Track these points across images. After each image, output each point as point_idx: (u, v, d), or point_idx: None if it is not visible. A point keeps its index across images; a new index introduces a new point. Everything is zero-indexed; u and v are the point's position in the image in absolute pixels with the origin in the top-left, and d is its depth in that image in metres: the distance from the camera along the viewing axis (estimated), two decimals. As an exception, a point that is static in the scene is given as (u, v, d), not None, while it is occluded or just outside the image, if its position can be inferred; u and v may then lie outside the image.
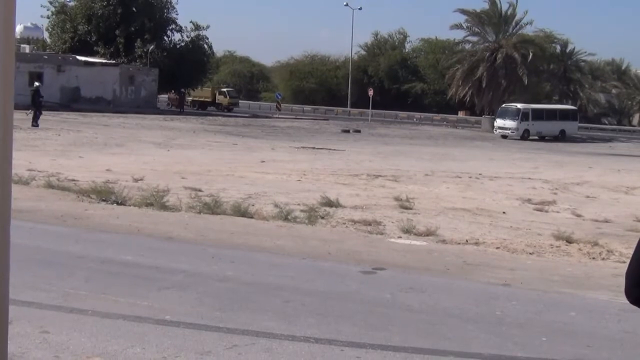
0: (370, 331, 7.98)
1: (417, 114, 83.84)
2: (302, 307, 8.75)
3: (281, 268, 10.93)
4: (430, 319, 8.68)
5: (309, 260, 11.58)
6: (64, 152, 28.01)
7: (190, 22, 79.67)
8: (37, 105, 40.62)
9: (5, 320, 3.06)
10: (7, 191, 2.86)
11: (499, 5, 77.21)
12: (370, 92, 72.98)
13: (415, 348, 7.47)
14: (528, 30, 77.18)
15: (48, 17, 77.60)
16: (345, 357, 7.12)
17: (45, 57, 69.21)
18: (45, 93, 45.90)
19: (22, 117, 37.59)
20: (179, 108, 73.75)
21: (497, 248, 13.62)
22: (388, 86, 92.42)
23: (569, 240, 14.40)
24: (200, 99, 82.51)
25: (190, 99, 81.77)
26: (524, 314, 9.14)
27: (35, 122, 39.12)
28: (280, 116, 75.09)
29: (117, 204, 15.67)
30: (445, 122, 78.59)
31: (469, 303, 9.55)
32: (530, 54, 73.24)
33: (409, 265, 11.55)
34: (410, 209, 17.74)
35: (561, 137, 61.25)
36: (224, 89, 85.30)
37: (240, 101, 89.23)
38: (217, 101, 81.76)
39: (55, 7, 76.64)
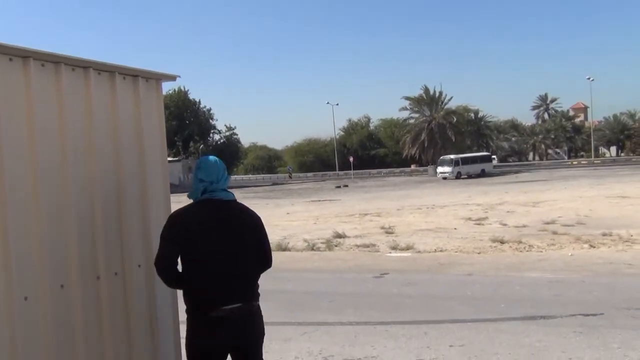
0: (389, 313, 8.14)
1: (384, 170, 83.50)
2: (341, 303, 8.83)
3: (321, 280, 10.99)
4: (426, 302, 8.80)
5: (337, 273, 11.64)
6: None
7: (225, 125, 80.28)
8: None
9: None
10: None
11: (430, 91, 78.08)
12: (351, 159, 73.13)
13: (421, 320, 7.64)
14: (451, 105, 77.83)
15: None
16: (377, 331, 7.25)
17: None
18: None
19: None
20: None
21: (456, 252, 13.70)
22: (361, 153, 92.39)
23: (502, 241, 14.49)
24: None
25: None
26: (486, 291, 9.29)
27: None
28: (291, 182, 75.06)
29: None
30: (403, 173, 78.34)
31: (448, 288, 9.70)
32: (455, 121, 74.01)
33: (403, 269, 11.65)
34: (393, 233, 17.73)
35: (482, 174, 60.85)
36: None
37: (263, 175, 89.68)
38: None
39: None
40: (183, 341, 3.71)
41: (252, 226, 3.58)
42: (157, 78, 4.39)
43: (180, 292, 3.64)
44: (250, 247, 3.53)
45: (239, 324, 3.43)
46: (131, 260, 4.01)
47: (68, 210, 3.56)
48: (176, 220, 3.49)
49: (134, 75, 4.17)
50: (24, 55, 3.37)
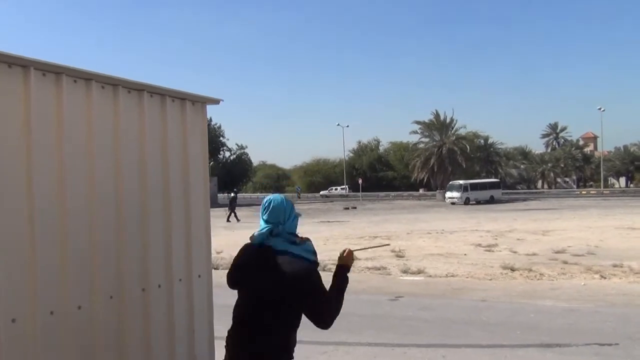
0: (406, 335, 8.23)
1: (392, 193, 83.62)
2: (360, 324, 8.88)
3: (337, 301, 11.06)
4: (442, 325, 8.89)
5: (352, 294, 11.45)
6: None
7: (236, 144, 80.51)
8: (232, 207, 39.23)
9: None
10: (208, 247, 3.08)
11: (441, 117, 78.30)
12: (360, 181, 73.14)
13: (438, 344, 7.74)
14: (462, 132, 77.78)
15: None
16: (395, 353, 7.36)
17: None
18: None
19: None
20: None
21: (467, 277, 13.70)
22: (370, 175, 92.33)
23: (513, 269, 14.48)
24: None
25: None
26: (500, 317, 9.36)
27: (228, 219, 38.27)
28: (300, 202, 75.08)
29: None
30: (411, 197, 78.22)
31: (463, 313, 9.77)
32: (466, 147, 74.14)
33: (417, 293, 11.72)
34: (403, 256, 17.68)
35: (491, 200, 60.58)
36: None
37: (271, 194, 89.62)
38: None
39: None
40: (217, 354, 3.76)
41: (287, 283, 3.21)
42: (203, 101, 4.60)
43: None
44: (284, 307, 3.26)
45: None
46: (173, 274, 4.20)
47: (119, 226, 3.76)
48: (241, 251, 3.47)
49: (182, 98, 4.39)
50: (87, 78, 3.61)
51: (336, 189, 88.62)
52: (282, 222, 3.31)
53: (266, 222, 3.32)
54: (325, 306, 3.27)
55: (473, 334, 8.29)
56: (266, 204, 3.37)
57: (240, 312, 3.32)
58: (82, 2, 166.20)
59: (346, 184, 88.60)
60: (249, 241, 3.39)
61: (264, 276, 3.23)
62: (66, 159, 3.41)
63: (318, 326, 3.30)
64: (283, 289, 3.19)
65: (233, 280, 3.41)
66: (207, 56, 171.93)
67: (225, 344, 3.38)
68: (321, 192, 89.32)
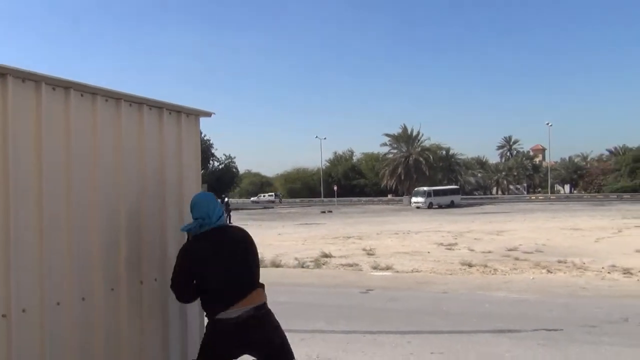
0: (376, 324, 8.29)
1: (364, 198, 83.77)
2: (334, 314, 8.94)
3: (314, 294, 11.08)
4: (408, 315, 8.98)
5: (328, 288, 11.75)
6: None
7: (224, 154, 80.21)
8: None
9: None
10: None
11: (408, 130, 78.82)
12: (335, 188, 73.21)
13: (404, 331, 7.80)
14: (426, 143, 78.41)
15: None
16: (367, 339, 7.40)
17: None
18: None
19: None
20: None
21: (431, 273, 13.83)
22: (344, 182, 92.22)
23: (470, 265, 14.68)
24: None
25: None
26: (459, 307, 9.48)
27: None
28: (281, 206, 74.90)
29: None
30: (381, 201, 78.36)
31: (427, 304, 9.88)
32: (429, 157, 74.67)
33: (386, 286, 11.77)
34: (373, 254, 17.79)
35: (452, 205, 60.99)
36: None
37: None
38: None
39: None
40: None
41: (250, 240, 3.69)
42: (196, 114, 4.62)
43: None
44: (251, 259, 3.64)
45: (249, 324, 3.45)
46: (168, 268, 4.20)
47: (120, 225, 3.77)
48: (185, 256, 3.59)
49: (177, 111, 4.40)
50: (93, 92, 3.62)
51: (264, 196, 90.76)
52: (207, 216, 3.57)
53: (196, 218, 3.60)
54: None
55: (435, 322, 8.37)
56: (193, 204, 3.66)
57: (229, 281, 3.48)
58: (84, 17, 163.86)
59: (279, 192, 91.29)
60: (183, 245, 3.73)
61: (234, 242, 3.58)
62: (73, 166, 3.41)
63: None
64: (249, 243, 3.64)
65: (197, 271, 3.52)
66: (200, 73, 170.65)
67: (213, 324, 3.47)
68: (252, 199, 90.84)
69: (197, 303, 4.45)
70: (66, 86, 3.41)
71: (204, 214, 3.58)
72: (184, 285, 3.59)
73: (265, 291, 3.67)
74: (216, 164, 77.34)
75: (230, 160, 77.57)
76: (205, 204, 3.62)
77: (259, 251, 3.79)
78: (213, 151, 75.66)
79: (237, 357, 3.55)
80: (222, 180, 72.16)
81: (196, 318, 4.50)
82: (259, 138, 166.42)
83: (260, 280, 3.70)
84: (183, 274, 3.56)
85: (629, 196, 68.83)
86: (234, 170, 79.34)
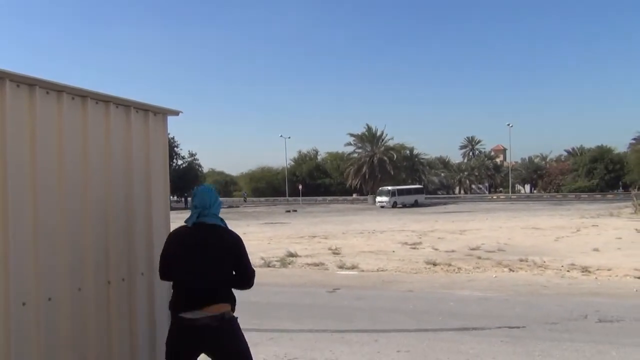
0: (343, 323, 8.34)
1: (328, 197, 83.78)
2: (301, 313, 8.97)
3: (282, 293, 11.06)
4: (374, 313, 9.03)
5: (295, 287, 11.77)
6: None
7: (188, 151, 79.07)
8: None
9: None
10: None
11: (372, 130, 79.30)
12: (300, 187, 73.24)
13: (371, 329, 7.87)
14: (390, 143, 78.77)
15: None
16: (334, 338, 7.43)
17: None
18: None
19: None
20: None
21: (396, 272, 13.94)
22: (309, 182, 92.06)
23: (434, 264, 14.86)
24: None
25: None
26: (425, 306, 9.58)
27: None
28: (246, 206, 74.43)
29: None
30: (345, 201, 78.48)
31: (392, 302, 9.96)
32: (393, 157, 75.24)
33: (352, 285, 11.85)
34: (339, 253, 17.87)
35: (416, 204, 61.59)
36: None
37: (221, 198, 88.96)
38: None
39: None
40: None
41: (228, 247, 3.62)
42: (164, 112, 4.57)
43: None
44: (226, 266, 3.60)
45: (205, 331, 3.48)
46: (136, 268, 4.16)
47: (87, 225, 3.71)
48: (169, 239, 3.72)
49: (145, 109, 4.35)
50: (59, 90, 3.55)
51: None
52: (208, 206, 3.64)
53: (195, 207, 3.65)
54: (250, 267, 3.73)
55: (401, 320, 8.46)
56: (195, 193, 3.73)
57: (194, 276, 3.52)
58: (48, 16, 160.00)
59: (244, 192, 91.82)
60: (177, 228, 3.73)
61: (217, 245, 3.58)
62: (38, 165, 3.34)
63: (242, 285, 3.71)
64: (226, 249, 3.60)
65: (174, 259, 3.59)
66: (161, 71, 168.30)
67: (176, 317, 3.52)
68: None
69: (165, 304, 4.42)
70: (31, 83, 3.33)
71: (200, 203, 3.64)
72: (162, 264, 3.69)
73: (236, 291, 3.67)
74: (180, 162, 76.33)
75: (193, 158, 76.67)
76: (203, 195, 3.68)
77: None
78: (177, 150, 74.78)
79: (196, 356, 3.59)
80: (185, 178, 71.09)
81: (165, 318, 4.45)
82: (222, 137, 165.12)
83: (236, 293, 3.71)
84: (163, 253, 3.68)
85: (586, 196, 70.79)
86: (198, 168, 78.34)
